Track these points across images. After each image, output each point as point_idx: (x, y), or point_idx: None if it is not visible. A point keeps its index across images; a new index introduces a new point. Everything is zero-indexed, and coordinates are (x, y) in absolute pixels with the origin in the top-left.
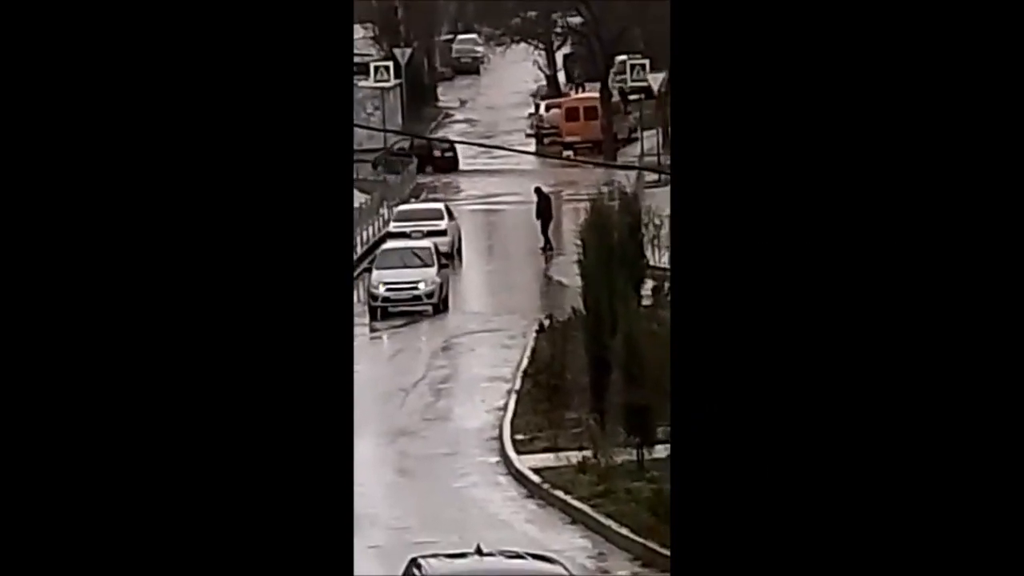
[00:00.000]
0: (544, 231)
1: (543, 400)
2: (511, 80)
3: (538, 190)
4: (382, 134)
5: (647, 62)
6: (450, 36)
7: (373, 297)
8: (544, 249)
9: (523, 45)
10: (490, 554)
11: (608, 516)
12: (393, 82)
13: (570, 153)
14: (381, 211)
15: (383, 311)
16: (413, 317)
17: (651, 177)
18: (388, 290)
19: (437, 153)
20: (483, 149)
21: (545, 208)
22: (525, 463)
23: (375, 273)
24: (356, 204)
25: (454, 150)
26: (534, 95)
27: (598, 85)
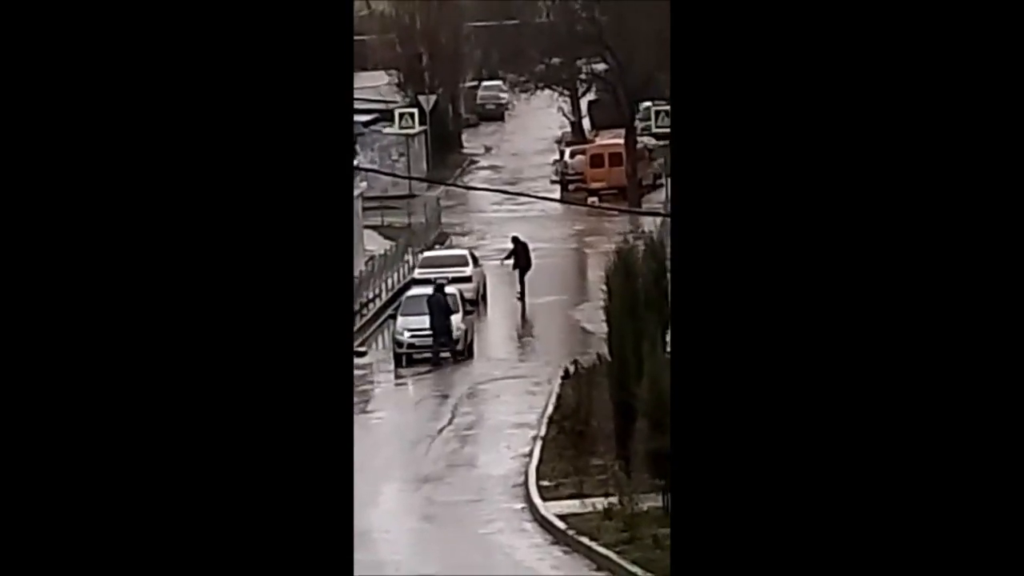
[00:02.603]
0: (521, 279)
1: (569, 446)
2: (536, 126)
3: (515, 239)
4: (407, 181)
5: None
6: (475, 83)
7: (398, 344)
8: (520, 297)
9: (548, 91)
10: None
11: (634, 563)
12: (418, 129)
13: (595, 199)
14: (406, 257)
15: (408, 357)
16: (438, 363)
17: None
18: (412, 336)
19: None
20: (508, 196)
21: (522, 256)
22: (551, 510)
23: (400, 320)
24: (381, 250)
25: None
26: (559, 141)
27: (623, 132)
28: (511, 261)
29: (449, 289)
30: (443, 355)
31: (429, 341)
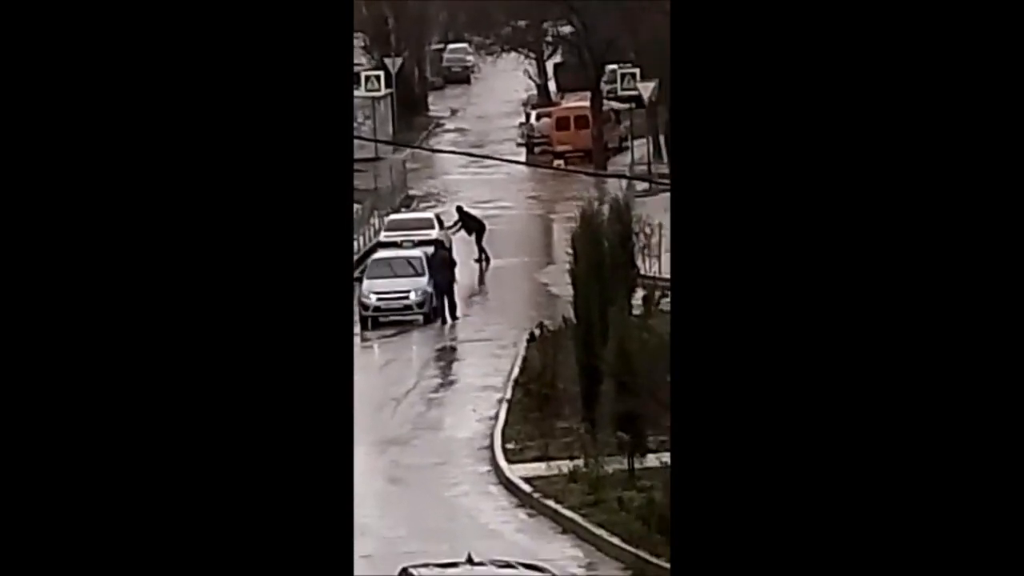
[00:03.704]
0: (478, 242)
1: (534, 409)
2: (502, 89)
3: (459, 208)
4: (373, 144)
5: (637, 71)
6: (441, 45)
7: (364, 307)
8: (479, 260)
9: (514, 54)
10: (481, 563)
11: (599, 525)
12: (384, 91)
13: (560, 162)
14: (372, 220)
15: (374, 320)
16: (404, 326)
17: (642, 186)
18: (379, 299)
19: None
20: (474, 159)
21: (472, 223)
22: (516, 472)
23: (366, 283)
24: None
25: None
26: (525, 104)
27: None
28: (456, 229)
29: (415, 252)
30: (412, 318)
31: (395, 304)
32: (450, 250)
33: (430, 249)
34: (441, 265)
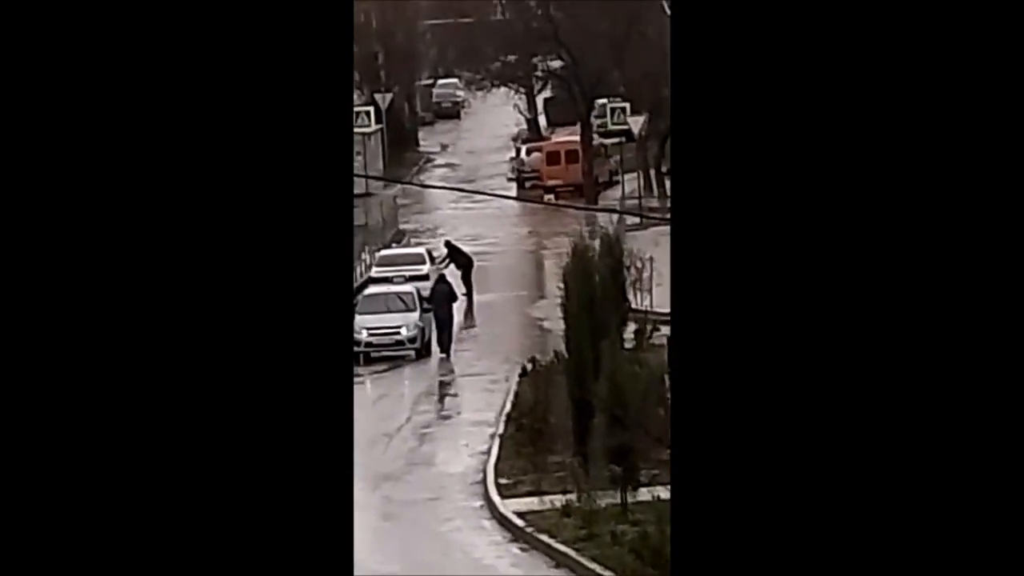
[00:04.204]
0: (465, 278)
1: (526, 444)
2: (492, 124)
3: (448, 243)
4: (363, 179)
5: (627, 105)
6: (431, 81)
7: (355, 342)
8: (467, 294)
9: (504, 89)
10: None
11: (592, 559)
12: (374, 127)
13: (551, 197)
14: (363, 256)
15: (365, 356)
16: (396, 362)
17: (632, 220)
18: (370, 335)
19: None
20: (464, 194)
21: (460, 258)
22: (509, 507)
23: (357, 318)
24: None
25: None
26: (515, 139)
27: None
28: (446, 264)
29: (406, 288)
30: (404, 353)
31: (386, 340)
32: (450, 284)
33: (422, 284)
34: (442, 299)
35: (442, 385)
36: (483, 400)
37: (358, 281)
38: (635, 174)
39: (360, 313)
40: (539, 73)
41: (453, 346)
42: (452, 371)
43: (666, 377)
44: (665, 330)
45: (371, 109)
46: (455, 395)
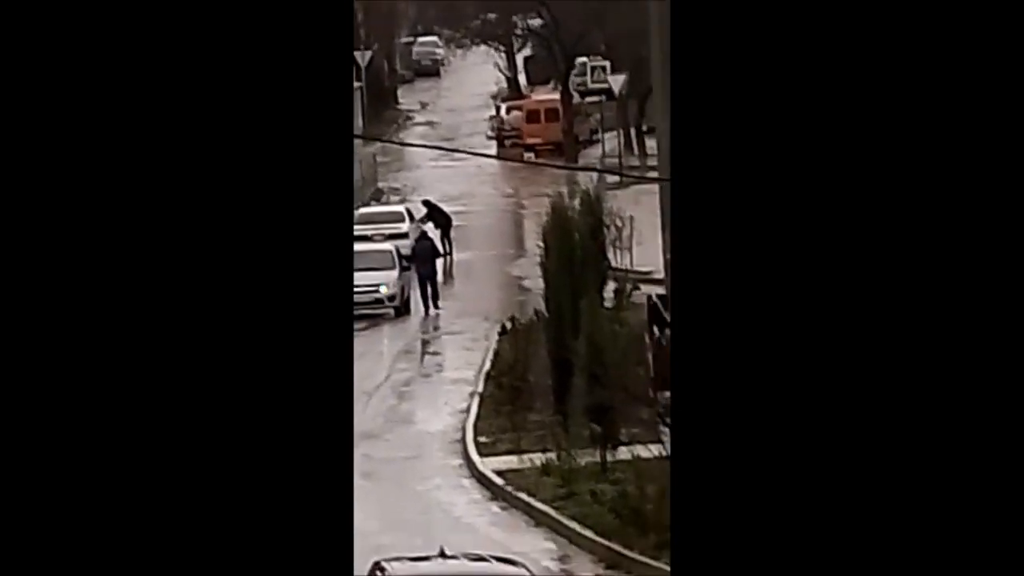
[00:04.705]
0: (444, 237)
1: (506, 402)
2: (472, 82)
3: (426, 202)
4: None
5: (607, 64)
6: (410, 39)
7: None
8: (447, 254)
9: (484, 47)
10: (454, 557)
11: (572, 518)
12: (353, 85)
13: (531, 155)
14: None
15: None
16: (374, 320)
17: (612, 179)
18: None
19: None
20: (444, 152)
21: (439, 216)
22: (488, 466)
23: None
24: None
25: None
26: (495, 97)
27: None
28: (428, 224)
29: (385, 245)
30: (383, 311)
31: (365, 298)
32: (433, 241)
33: (400, 242)
34: (425, 255)
35: (422, 344)
36: (463, 359)
37: None
38: (615, 132)
39: None
40: (519, 31)
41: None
42: (431, 329)
43: (645, 335)
44: (645, 289)
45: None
46: (435, 353)
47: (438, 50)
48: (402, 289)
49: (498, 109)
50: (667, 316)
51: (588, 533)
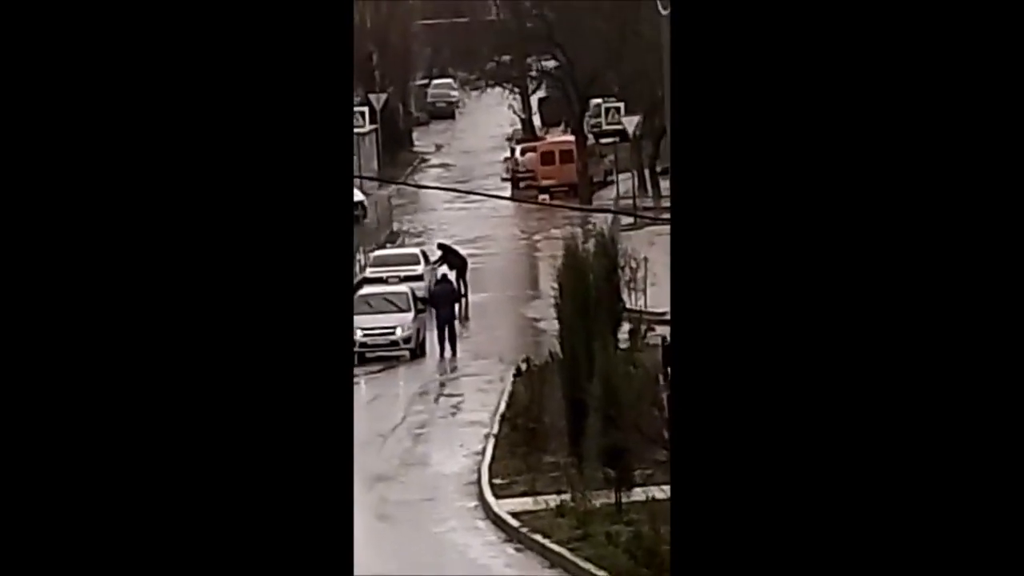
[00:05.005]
0: (459, 278)
1: (521, 444)
2: (486, 124)
3: (440, 245)
4: (358, 180)
5: (621, 105)
6: (425, 81)
7: None
8: (463, 296)
9: (498, 89)
10: None
11: (587, 559)
12: (368, 127)
13: (546, 197)
14: (358, 257)
15: (360, 356)
16: (390, 362)
17: (627, 220)
18: (365, 335)
19: None
20: (459, 194)
21: (454, 259)
22: (503, 507)
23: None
24: None
25: None
26: (510, 139)
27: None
28: (443, 267)
29: (401, 288)
30: (398, 354)
31: (381, 340)
32: (452, 284)
33: (416, 285)
34: (444, 298)
35: (437, 386)
36: (478, 400)
37: (353, 281)
38: (629, 174)
39: (355, 313)
40: (533, 73)
41: (447, 346)
42: (446, 371)
43: (660, 377)
44: (660, 330)
45: (365, 109)
46: (450, 395)
47: (453, 92)
48: (417, 331)
49: (513, 151)
50: None
51: (603, 574)
